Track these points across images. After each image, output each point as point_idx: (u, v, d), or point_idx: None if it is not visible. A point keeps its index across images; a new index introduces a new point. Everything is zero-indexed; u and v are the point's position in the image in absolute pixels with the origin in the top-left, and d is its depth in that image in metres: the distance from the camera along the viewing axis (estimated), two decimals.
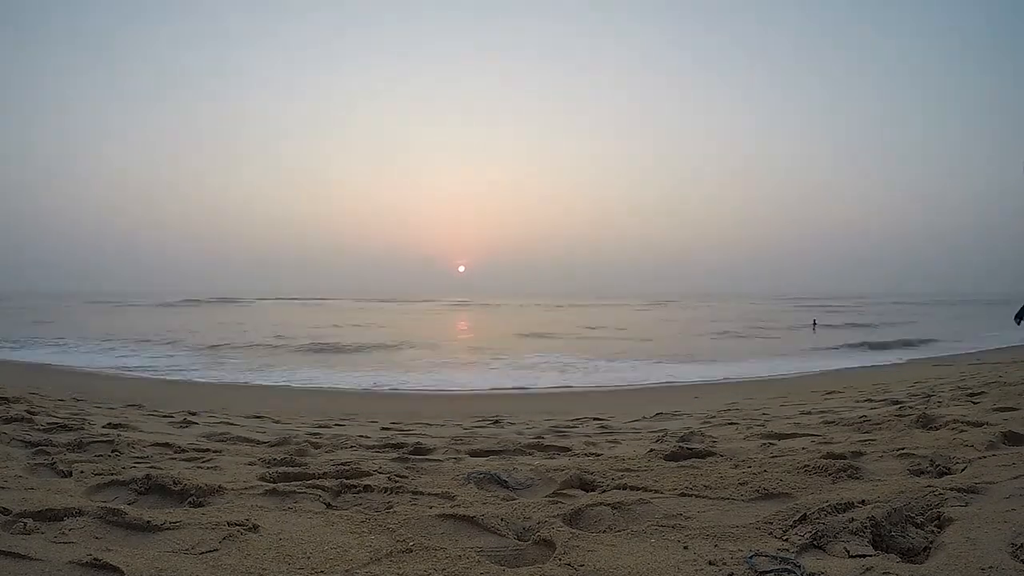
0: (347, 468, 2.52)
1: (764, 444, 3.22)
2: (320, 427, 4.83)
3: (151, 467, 2.49)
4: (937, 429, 3.10)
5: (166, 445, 3.17)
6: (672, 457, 2.70)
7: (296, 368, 13.52)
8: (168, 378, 11.10)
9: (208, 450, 3.14)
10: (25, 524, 1.59)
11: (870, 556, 1.44)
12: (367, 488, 2.18)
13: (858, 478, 2.12)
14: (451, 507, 1.92)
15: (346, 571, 1.45)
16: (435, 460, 3.02)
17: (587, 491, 2.17)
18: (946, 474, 2.14)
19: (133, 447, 3.02)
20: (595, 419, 5.51)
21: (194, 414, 5.09)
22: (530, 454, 3.30)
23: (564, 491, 2.14)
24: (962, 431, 2.85)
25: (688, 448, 2.86)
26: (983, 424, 2.99)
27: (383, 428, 4.90)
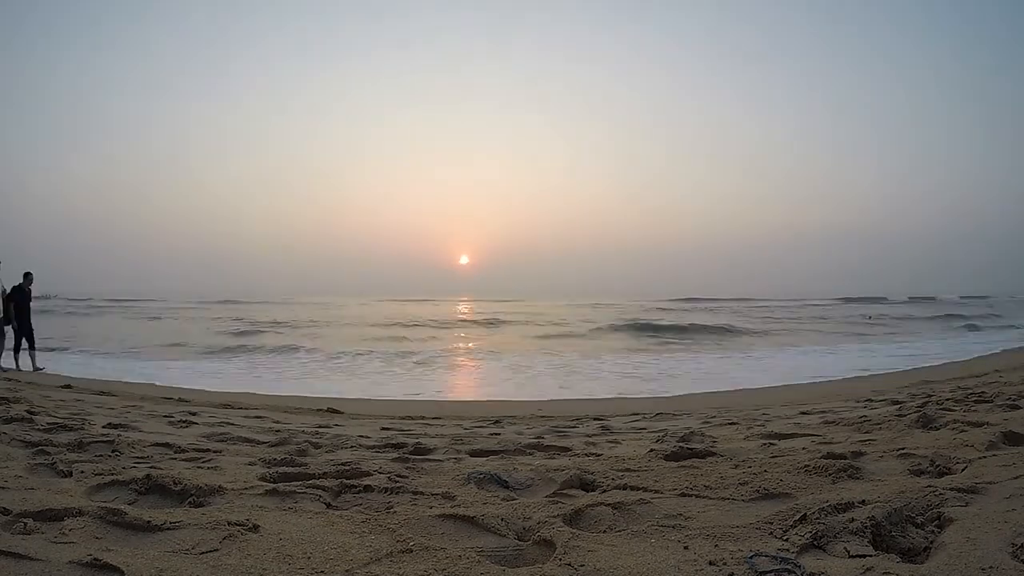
0: (347, 468, 2.53)
1: (764, 444, 3.22)
2: (320, 427, 4.84)
3: (151, 467, 2.49)
4: (937, 429, 3.10)
5: (166, 445, 3.17)
6: (672, 457, 2.71)
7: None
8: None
9: (208, 450, 3.14)
10: (25, 524, 1.59)
11: (870, 556, 1.44)
12: (367, 488, 2.18)
13: (858, 478, 2.12)
14: (451, 507, 1.92)
15: (346, 571, 1.45)
16: (435, 460, 3.02)
17: (587, 491, 2.17)
18: (946, 474, 2.14)
19: (133, 447, 3.02)
20: (595, 419, 5.51)
21: (194, 414, 5.09)
22: (530, 454, 3.30)
23: (564, 491, 2.14)
24: (962, 431, 2.85)
25: (688, 448, 2.86)
26: (983, 424, 2.99)
27: (383, 428, 4.90)
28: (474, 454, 3.31)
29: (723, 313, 38.18)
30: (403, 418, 5.91)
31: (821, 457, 2.36)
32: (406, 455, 3.17)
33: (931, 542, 1.52)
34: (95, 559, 1.39)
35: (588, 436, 4.22)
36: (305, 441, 3.64)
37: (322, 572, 1.44)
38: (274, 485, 2.15)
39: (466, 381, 12.10)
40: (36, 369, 10.06)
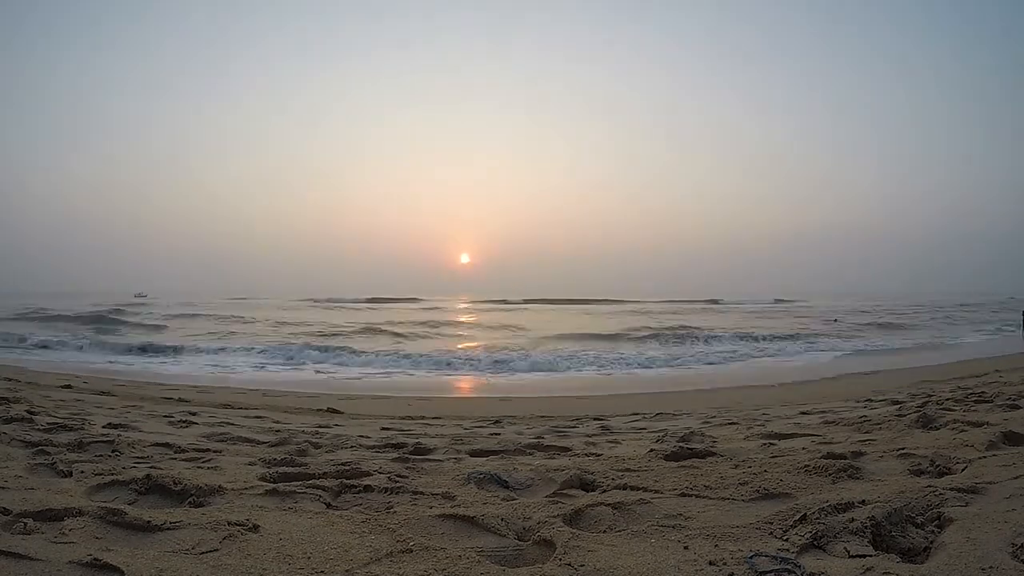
0: (347, 468, 2.53)
1: (764, 444, 3.22)
2: (320, 427, 4.83)
3: (151, 467, 2.49)
4: (937, 429, 3.10)
5: (166, 445, 3.17)
6: (672, 457, 2.71)
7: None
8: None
9: (208, 450, 3.14)
10: (25, 524, 1.59)
11: (870, 556, 1.44)
12: (367, 488, 2.18)
13: (858, 478, 2.12)
14: (451, 507, 1.92)
15: (346, 571, 1.45)
16: (435, 460, 3.02)
17: (587, 491, 2.18)
18: (946, 474, 2.14)
19: (133, 447, 3.02)
20: (595, 419, 5.51)
21: (194, 414, 5.09)
22: (530, 454, 3.30)
23: (564, 491, 2.14)
24: (962, 431, 2.85)
25: (688, 448, 2.86)
26: (983, 424, 2.99)
27: (383, 428, 4.90)
28: (474, 454, 3.31)
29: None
30: (403, 418, 5.91)
31: (821, 457, 2.36)
32: (406, 455, 3.17)
33: (931, 542, 1.52)
34: (95, 559, 1.39)
35: (588, 436, 4.22)
36: (305, 441, 3.64)
37: (322, 572, 1.44)
38: (274, 485, 2.15)
39: None
40: None
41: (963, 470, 2.12)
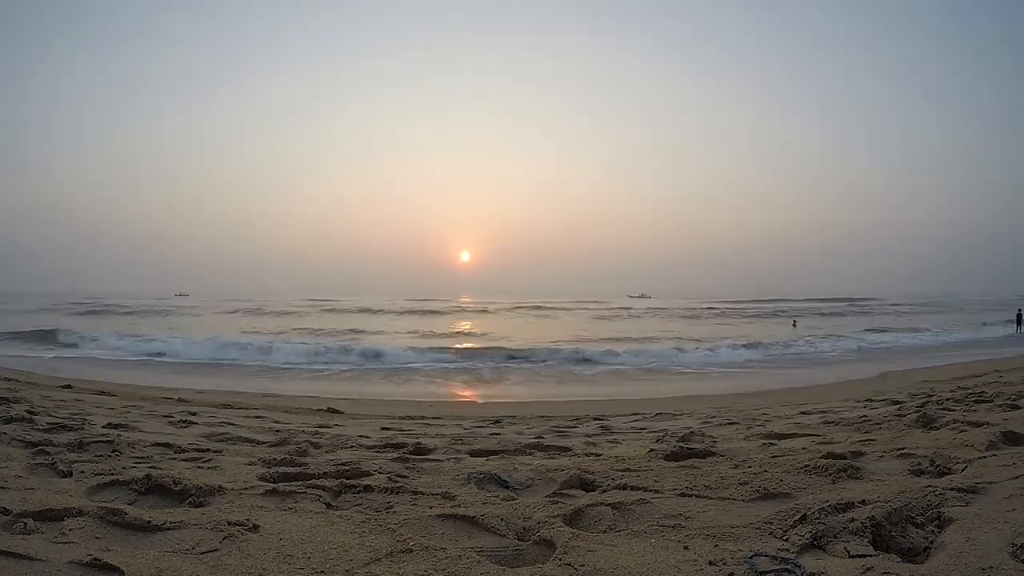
0: (347, 468, 2.53)
1: (764, 444, 3.22)
2: (320, 427, 4.83)
3: (151, 467, 2.49)
4: (937, 429, 3.10)
5: (166, 445, 3.17)
6: (672, 457, 2.70)
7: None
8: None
9: (208, 450, 3.14)
10: (25, 524, 1.59)
11: (870, 556, 1.44)
12: (367, 488, 2.18)
13: (858, 478, 2.12)
14: (451, 507, 1.92)
15: (346, 571, 1.45)
16: (435, 460, 3.02)
17: (587, 491, 2.17)
18: (946, 474, 2.14)
19: (133, 447, 3.02)
20: (595, 419, 5.51)
21: (194, 414, 5.09)
22: (530, 454, 3.30)
23: (564, 491, 2.14)
24: (962, 431, 2.85)
25: (688, 448, 2.86)
26: (983, 424, 2.99)
27: (383, 428, 4.90)
28: (474, 454, 3.31)
29: None
30: (403, 418, 5.91)
31: (821, 457, 2.36)
32: (406, 455, 3.17)
33: (931, 542, 1.52)
34: (95, 559, 1.39)
35: (588, 436, 4.22)
36: (305, 441, 3.64)
37: (322, 572, 1.44)
38: (274, 485, 2.15)
39: None
40: None
41: (963, 470, 2.12)
